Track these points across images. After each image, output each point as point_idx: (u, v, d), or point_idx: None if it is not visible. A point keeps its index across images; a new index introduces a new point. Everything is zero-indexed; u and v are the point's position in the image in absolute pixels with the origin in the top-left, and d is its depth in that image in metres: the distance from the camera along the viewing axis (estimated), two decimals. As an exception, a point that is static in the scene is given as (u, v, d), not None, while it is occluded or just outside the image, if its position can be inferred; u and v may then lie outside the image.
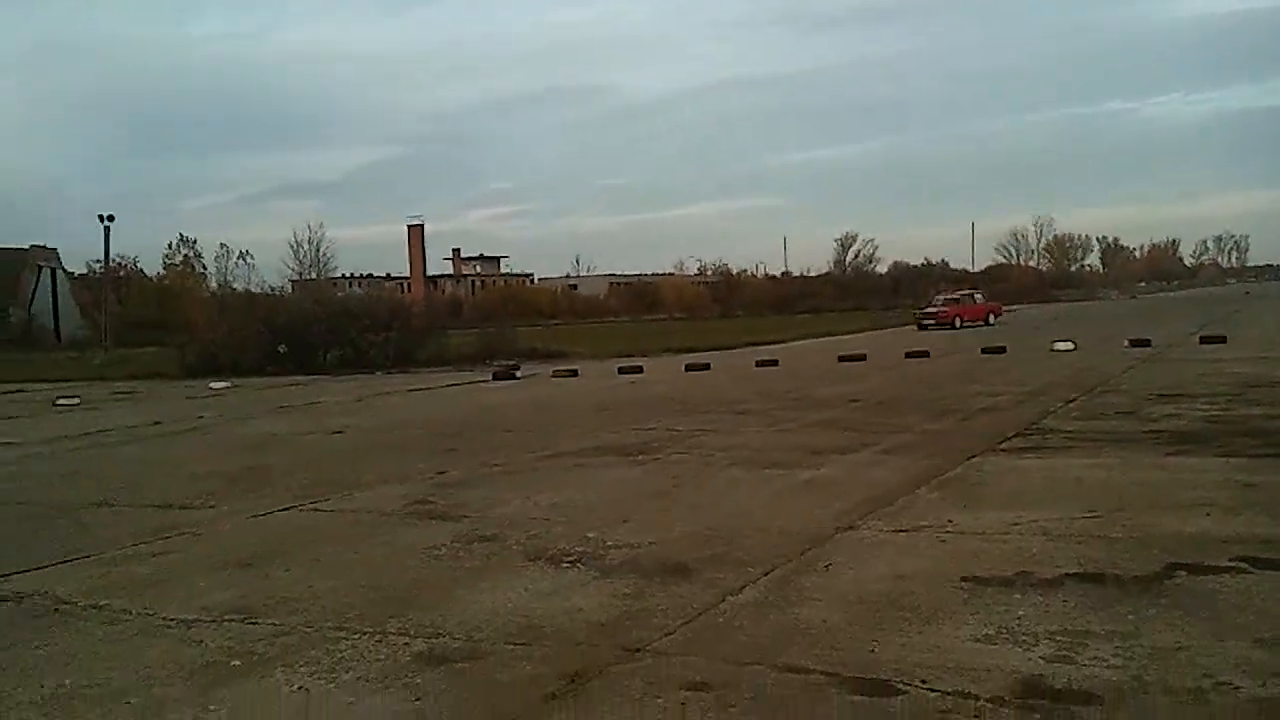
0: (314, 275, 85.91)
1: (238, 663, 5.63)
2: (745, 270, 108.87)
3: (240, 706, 4.98)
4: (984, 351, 28.37)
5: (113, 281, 67.71)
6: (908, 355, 28.74)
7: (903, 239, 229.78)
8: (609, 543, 7.97)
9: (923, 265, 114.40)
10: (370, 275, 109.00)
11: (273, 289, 68.81)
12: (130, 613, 6.74)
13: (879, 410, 16.58)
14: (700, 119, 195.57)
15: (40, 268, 74.51)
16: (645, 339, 44.87)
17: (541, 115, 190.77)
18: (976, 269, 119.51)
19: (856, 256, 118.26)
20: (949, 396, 17.98)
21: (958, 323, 49.29)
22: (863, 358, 28.78)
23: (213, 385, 30.23)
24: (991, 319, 52.25)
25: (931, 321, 49.64)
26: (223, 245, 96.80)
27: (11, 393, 31.93)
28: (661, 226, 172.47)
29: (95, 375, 38.88)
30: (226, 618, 6.47)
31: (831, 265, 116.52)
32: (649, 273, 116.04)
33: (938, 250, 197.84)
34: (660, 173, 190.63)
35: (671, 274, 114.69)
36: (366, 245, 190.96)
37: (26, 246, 75.16)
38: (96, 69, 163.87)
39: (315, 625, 6.23)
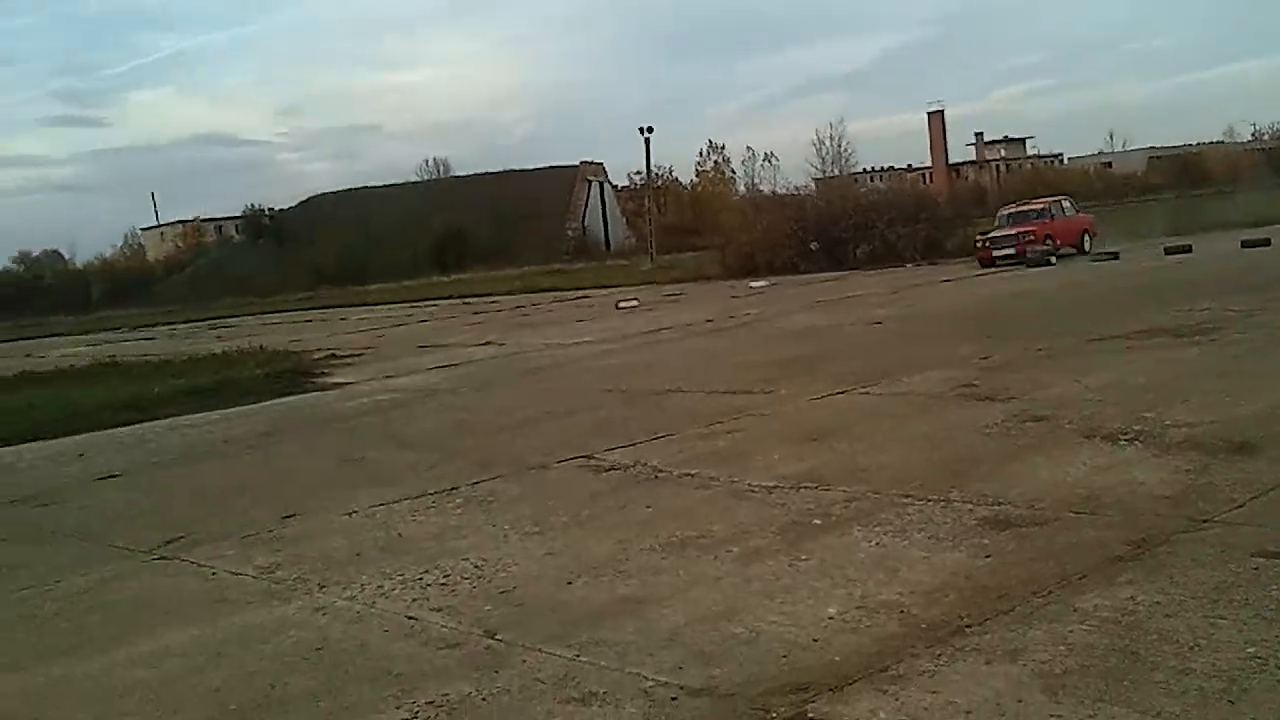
0: (836, 172, 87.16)
1: (818, 521, 6.34)
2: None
3: (827, 557, 5.65)
4: None
5: (653, 191, 72.95)
6: None
7: None
8: (1167, 421, 7.87)
9: None
10: (890, 168, 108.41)
11: (797, 189, 70.71)
12: (718, 480, 7.70)
13: None
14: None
15: (589, 182, 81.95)
16: (1191, 216, 41.53)
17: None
18: None
19: None
20: None
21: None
22: None
23: (752, 284, 32.12)
24: (1087, 241, 31.89)
25: (1006, 251, 29.56)
26: (749, 148, 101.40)
27: (577, 298, 35.93)
28: (1207, 89, 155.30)
29: (645, 280, 42.55)
30: (802, 485, 7.23)
31: None
32: (1194, 142, 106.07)
33: None
34: (1204, 28, 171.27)
35: (1221, 142, 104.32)
36: (885, 137, 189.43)
37: (577, 163, 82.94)
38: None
39: (882, 492, 6.81)
